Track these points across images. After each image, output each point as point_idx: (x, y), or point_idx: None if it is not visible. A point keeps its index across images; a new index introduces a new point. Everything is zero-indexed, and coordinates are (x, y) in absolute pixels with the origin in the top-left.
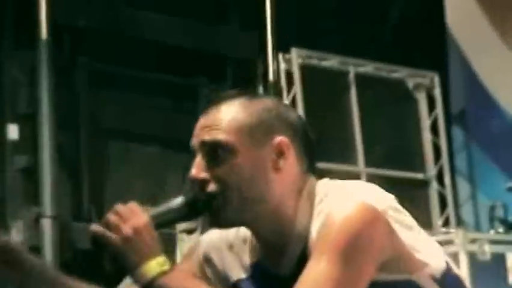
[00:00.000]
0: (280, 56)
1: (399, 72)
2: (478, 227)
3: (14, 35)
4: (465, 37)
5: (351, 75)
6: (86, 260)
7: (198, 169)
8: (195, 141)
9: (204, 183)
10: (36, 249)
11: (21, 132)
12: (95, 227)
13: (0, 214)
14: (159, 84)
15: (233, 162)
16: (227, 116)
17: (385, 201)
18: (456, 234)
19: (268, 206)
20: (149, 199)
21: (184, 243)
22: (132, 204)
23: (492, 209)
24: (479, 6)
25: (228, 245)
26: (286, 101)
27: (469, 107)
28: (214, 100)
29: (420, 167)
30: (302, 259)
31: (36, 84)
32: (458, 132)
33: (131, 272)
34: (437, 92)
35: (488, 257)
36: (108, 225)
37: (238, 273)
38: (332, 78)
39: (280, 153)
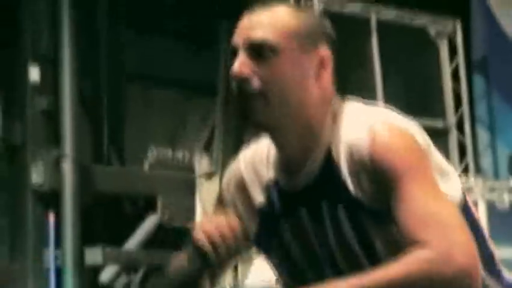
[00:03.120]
0: (302, 1)
1: (421, 19)
2: (496, 176)
3: None
4: None
5: (373, 22)
6: (106, 203)
7: (242, 66)
8: (238, 40)
9: (246, 80)
10: (57, 191)
11: (42, 74)
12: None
13: (21, 156)
14: (179, 28)
15: (278, 63)
16: (275, 19)
17: (412, 125)
18: (475, 183)
19: (304, 112)
20: (168, 141)
21: (204, 187)
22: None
23: (511, 158)
24: None
25: (250, 168)
26: None
27: (491, 55)
28: (259, 5)
29: (441, 114)
30: (321, 174)
31: (58, 27)
32: (479, 80)
33: None
34: (459, 39)
35: (507, 205)
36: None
37: (259, 197)
38: (353, 24)
39: (322, 64)
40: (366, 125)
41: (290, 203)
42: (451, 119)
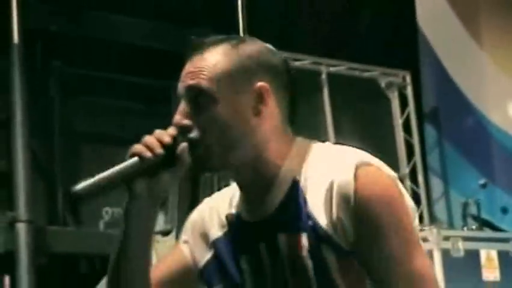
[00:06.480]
0: None
1: (371, 72)
2: (451, 224)
3: None
4: (436, 36)
5: (324, 76)
6: (61, 264)
7: (181, 115)
8: (180, 87)
9: (186, 129)
10: (11, 254)
11: None
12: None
13: None
14: (132, 87)
15: (213, 109)
16: (209, 63)
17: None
18: (430, 232)
19: (250, 150)
20: (123, 200)
21: (159, 244)
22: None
23: (465, 206)
24: (450, 5)
25: (211, 207)
26: None
27: (441, 105)
28: (200, 45)
29: (394, 165)
30: (284, 204)
31: (9, 90)
32: (430, 130)
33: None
34: (409, 91)
35: (461, 253)
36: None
37: (216, 232)
38: (304, 78)
39: (260, 98)
40: (350, 165)
41: (250, 234)
42: (404, 169)
